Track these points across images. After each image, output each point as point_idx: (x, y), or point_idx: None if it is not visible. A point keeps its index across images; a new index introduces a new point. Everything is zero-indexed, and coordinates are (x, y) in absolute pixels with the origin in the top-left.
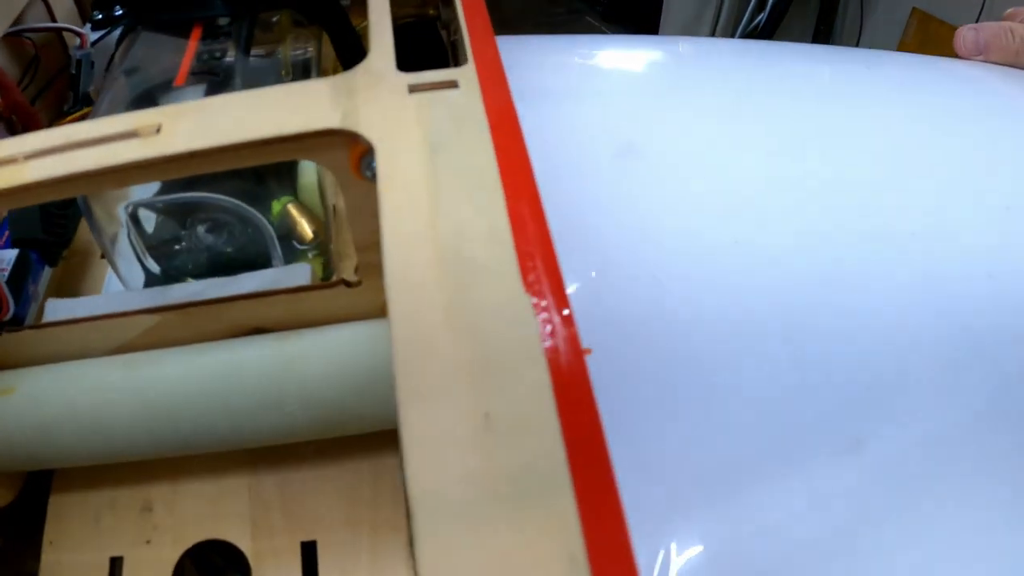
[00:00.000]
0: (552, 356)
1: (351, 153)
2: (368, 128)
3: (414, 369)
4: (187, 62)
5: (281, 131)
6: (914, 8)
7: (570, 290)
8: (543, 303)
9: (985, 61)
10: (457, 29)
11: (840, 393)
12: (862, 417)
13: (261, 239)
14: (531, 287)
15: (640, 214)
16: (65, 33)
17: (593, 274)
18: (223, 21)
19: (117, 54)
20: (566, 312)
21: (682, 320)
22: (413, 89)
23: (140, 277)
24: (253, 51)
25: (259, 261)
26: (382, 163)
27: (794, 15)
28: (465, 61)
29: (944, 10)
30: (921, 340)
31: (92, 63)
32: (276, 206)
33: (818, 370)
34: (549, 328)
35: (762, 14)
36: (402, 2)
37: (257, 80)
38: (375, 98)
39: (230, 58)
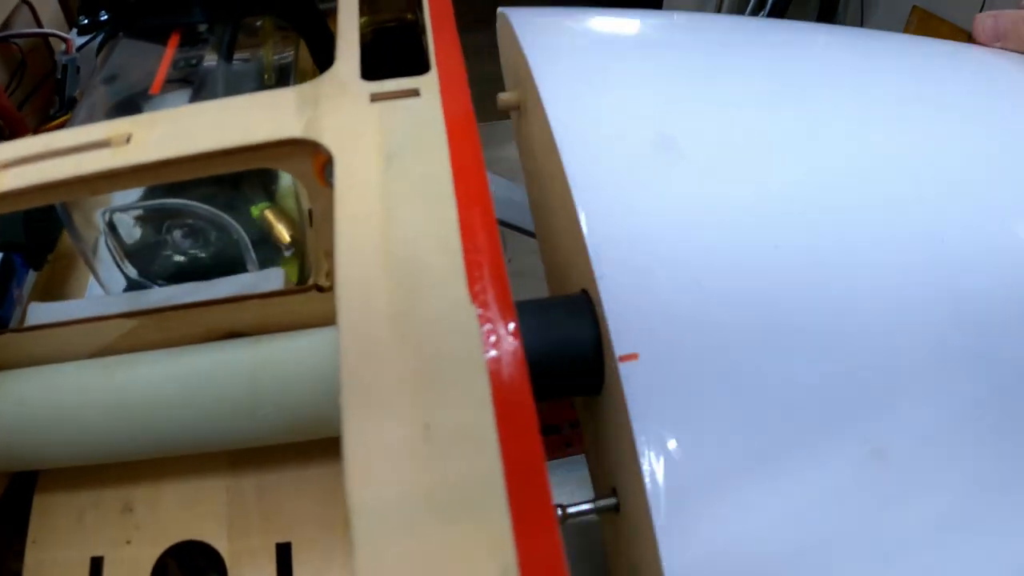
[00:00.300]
0: (494, 368)
1: (315, 162)
2: (329, 138)
3: (359, 378)
4: (163, 70)
5: (246, 140)
6: (914, 6)
7: (615, 291)
8: (488, 314)
9: (1003, 48)
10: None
11: (866, 393)
12: (879, 413)
13: (237, 244)
14: (477, 297)
15: (681, 214)
16: (51, 38)
17: (635, 275)
18: (203, 27)
19: (97, 61)
20: (511, 324)
21: (722, 325)
22: (375, 98)
23: (121, 280)
24: (237, 54)
25: (235, 265)
26: (340, 173)
27: (794, 13)
28: (428, 69)
29: (944, 8)
30: (950, 337)
31: (78, 68)
32: (254, 211)
33: (848, 373)
34: (493, 339)
35: (762, 12)
36: (382, 7)
37: (239, 84)
38: (338, 107)
39: (212, 61)
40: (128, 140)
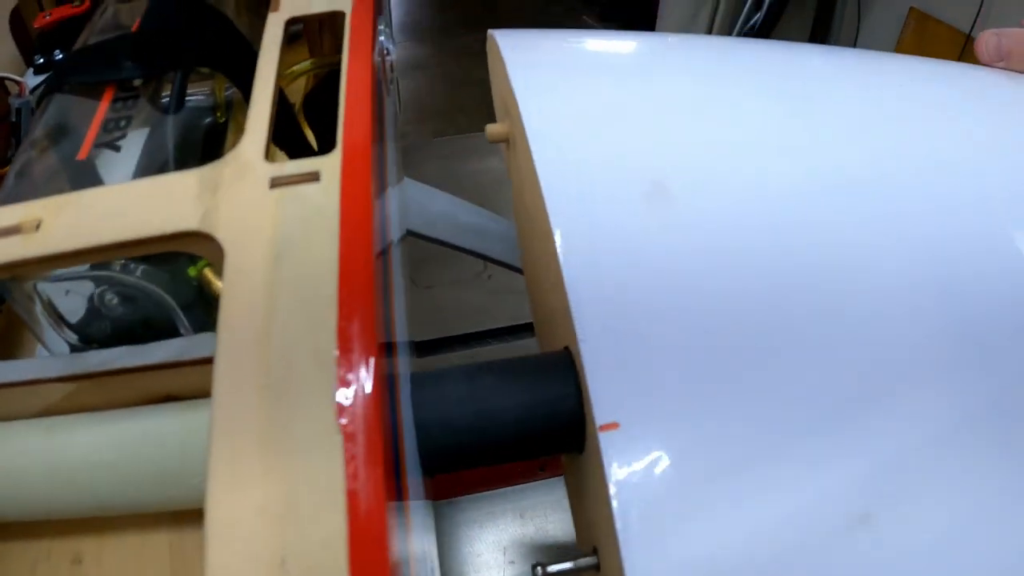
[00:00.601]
0: (352, 501)
1: (215, 248)
2: (223, 230)
3: (222, 506)
4: (92, 134)
5: (145, 233)
6: (911, 8)
7: (597, 356)
8: (353, 441)
9: (1006, 68)
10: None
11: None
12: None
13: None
14: (345, 425)
15: (672, 274)
16: (7, 81)
17: (619, 339)
18: (138, 82)
19: (33, 118)
20: (376, 453)
21: (708, 395)
22: (275, 183)
23: (64, 342)
24: (193, 89)
25: (174, 328)
26: (228, 271)
27: (791, 14)
28: (333, 147)
29: (941, 10)
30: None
31: (32, 110)
32: (192, 271)
33: (844, 453)
34: (352, 469)
35: (759, 13)
36: (335, 48)
37: (194, 123)
38: (236, 194)
39: (167, 98)
40: (38, 227)
